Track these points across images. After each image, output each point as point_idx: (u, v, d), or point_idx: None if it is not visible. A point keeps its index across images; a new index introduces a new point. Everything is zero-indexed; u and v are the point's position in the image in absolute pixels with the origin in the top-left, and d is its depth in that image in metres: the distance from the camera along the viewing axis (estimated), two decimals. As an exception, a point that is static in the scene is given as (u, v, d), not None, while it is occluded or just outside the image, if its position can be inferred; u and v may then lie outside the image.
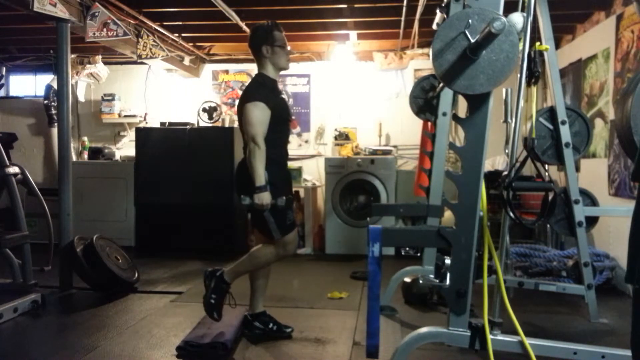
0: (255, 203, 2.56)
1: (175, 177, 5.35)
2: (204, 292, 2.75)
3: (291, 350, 2.66)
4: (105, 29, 4.03)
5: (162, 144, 5.44)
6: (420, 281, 3.28)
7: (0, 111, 6.06)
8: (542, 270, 3.85)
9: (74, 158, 5.82)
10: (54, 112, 5.52)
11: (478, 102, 1.73)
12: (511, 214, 2.23)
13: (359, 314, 3.27)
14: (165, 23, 4.77)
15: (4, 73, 6.34)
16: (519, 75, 2.31)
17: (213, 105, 5.80)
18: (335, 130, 5.89)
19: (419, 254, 4.72)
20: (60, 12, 3.61)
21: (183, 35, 5.24)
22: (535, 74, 2.42)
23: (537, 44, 2.63)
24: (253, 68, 2.89)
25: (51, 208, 3.58)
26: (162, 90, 6.21)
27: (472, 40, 1.58)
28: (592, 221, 3.08)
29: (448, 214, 3.03)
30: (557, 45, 4.97)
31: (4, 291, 3.29)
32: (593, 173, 4.22)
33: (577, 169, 3.73)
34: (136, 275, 3.91)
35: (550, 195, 2.76)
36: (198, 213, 5.27)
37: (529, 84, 2.43)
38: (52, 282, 3.77)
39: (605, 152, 4.05)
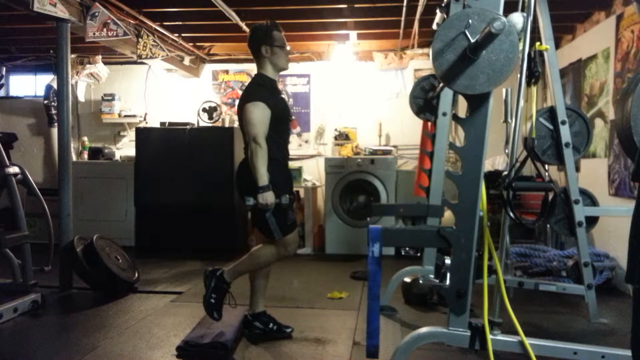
0: (259, 203, 2.56)
1: (175, 177, 5.35)
2: (204, 292, 2.75)
3: (291, 350, 2.66)
4: (105, 29, 4.03)
5: (162, 144, 5.44)
6: (420, 281, 3.29)
7: (0, 111, 6.06)
8: (542, 270, 3.85)
9: (74, 158, 5.83)
10: (54, 112, 5.52)
11: (478, 102, 1.73)
12: (511, 214, 2.23)
13: (359, 314, 3.27)
14: (165, 23, 4.77)
15: (4, 73, 6.34)
16: (519, 75, 2.31)
17: (213, 105, 5.80)
18: (335, 130, 5.89)
19: (419, 254, 4.72)
20: (60, 12, 3.61)
21: (183, 35, 5.24)
22: (535, 74, 2.42)
23: (537, 44, 2.64)
24: (253, 68, 2.89)
25: (51, 208, 3.58)
26: (162, 90, 6.21)
27: (472, 40, 1.58)
28: (592, 221, 3.08)
29: (448, 214, 3.03)
30: (557, 45, 4.97)
31: (4, 291, 3.29)
32: (593, 173, 4.22)
33: (577, 169, 3.73)
34: (136, 275, 3.90)
35: (550, 195, 2.77)
36: (198, 213, 5.27)
37: (529, 84, 2.43)
38: (52, 282, 3.77)
39: (605, 152, 4.05)
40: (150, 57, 4.65)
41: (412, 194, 4.85)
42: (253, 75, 2.84)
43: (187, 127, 5.44)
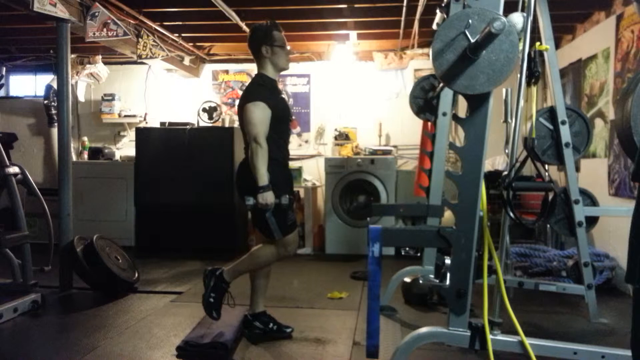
0: (259, 203, 2.56)
1: (175, 177, 5.35)
2: (203, 291, 2.75)
3: (291, 350, 2.66)
4: (105, 29, 4.03)
5: (162, 144, 5.44)
6: (420, 281, 3.29)
7: (0, 111, 6.06)
8: (542, 270, 3.85)
9: (74, 158, 5.83)
10: (54, 112, 5.52)
11: (478, 102, 1.73)
12: (511, 214, 2.23)
13: (359, 314, 3.27)
14: (165, 23, 4.77)
15: (4, 73, 6.34)
16: (519, 75, 2.31)
17: (213, 105, 5.80)
18: (335, 130, 5.89)
19: (419, 254, 4.73)
20: (60, 12, 3.61)
21: (183, 35, 5.24)
22: (535, 74, 2.42)
23: (537, 44, 2.64)
24: (253, 68, 2.89)
25: (51, 208, 3.58)
26: (162, 90, 6.21)
27: (472, 40, 1.58)
28: (592, 221, 3.08)
29: (448, 214, 3.03)
30: (557, 45, 4.97)
31: (4, 291, 3.29)
32: (593, 173, 4.22)
33: (577, 169, 3.73)
34: (136, 275, 3.90)
35: (550, 195, 2.77)
36: (198, 213, 5.27)
37: (529, 84, 2.43)
38: (52, 282, 3.77)
39: (605, 152, 4.05)
40: (150, 57, 4.65)
41: (412, 194, 4.85)
42: (253, 75, 2.84)
43: (187, 127, 5.44)
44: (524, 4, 2.29)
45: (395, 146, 5.77)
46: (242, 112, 2.68)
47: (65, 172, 3.81)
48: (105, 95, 6.12)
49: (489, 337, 1.83)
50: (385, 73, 5.90)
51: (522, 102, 2.28)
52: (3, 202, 3.40)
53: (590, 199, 3.09)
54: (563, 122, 2.91)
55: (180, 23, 4.88)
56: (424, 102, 3.19)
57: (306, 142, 6.06)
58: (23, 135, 5.90)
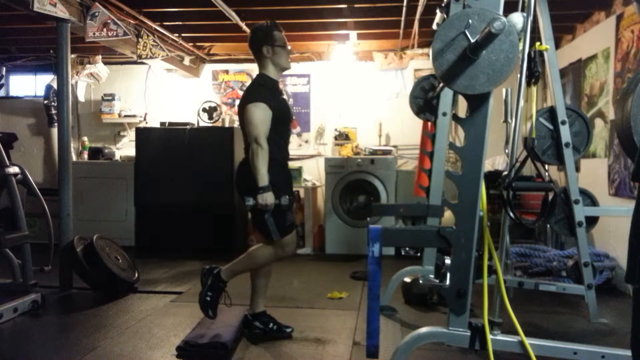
0: (258, 203, 2.56)
1: (175, 177, 5.35)
2: (200, 289, 2.75)
3: (291, 350, 2.66)
4: (105, 29, 4.03)
5: (162, 144, 5.44)
6: (420, 281, 3.29)
7: (0, 111, 6.06)
8: (542, 270, 3.85)
9: (74, 158, 5.83)
10: (54, 112, 5.52)
11: (478, 102, 1.73)
12: (511, 214, 2.23)
13: (359, 314, 3.27)
14: (165, 23, 4.77)
15: (4, 73, 6.34)
16: (519, 75, 2.31)
17: (213, 105, 5.80)
18: (335, 130, 5.89)
19: (419, 254, 4.72)
20: (60, 12, 3.61)
21: (183, 35, 5.24)
22: (535, 74, 2.42)
23: (537, 44, 2.64)
24: (253, 68, 2.89)
25: (51, 208, 3.58)
26: (162, 90, 6.21)
27: (472, 40, 1.58)
28: (592, 221, 3.08)
29: (448, 214, 3.03)
30: (557, 45, 4.97)
31: (4, 291, 3.29)
32: (593, 173, 4.22)
33: (577, 169, 3.73)
34: (136, 275, 3.90)
35: (550, 195, 2.77)
36: (198, 213, 5.28)
37: (529, 84, 2.43)
38: (52, 282, 3.77)
39: (605, 152, 4.05)
40: (150, 57, 4.65)
41: (412, 194, 4.85)
42: (253, 75, 2.84)
43: (187, 127, 5.44)
44: (524, 4, 2.29)
45: (395, 146, 5.77)
46: (242, 113, 2.68)
47: (65, 172, 3.81)
48: (105, 95, 6.12)
49: (489, 337, 1.83)
50: (385, 73, 5.90)
51: (522, 102, 2.28)
52: (3, 202, 3.40)
53: (590, 199, 3.09)
54: (563, 122, 2.91)
55: (180, 23, 4.88)
56: (424, 102, 3.19)
57: (306, 142, 6.06)
58: (23, 135, 5.90)
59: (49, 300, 3.43)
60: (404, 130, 5.78)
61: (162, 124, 5.58)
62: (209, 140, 5.38)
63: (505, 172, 2.25)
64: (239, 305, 3.15)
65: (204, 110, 5.76)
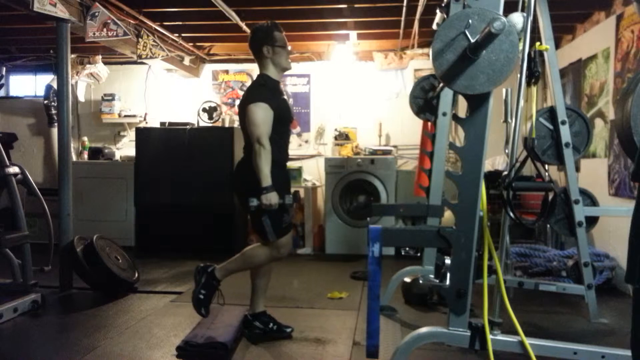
0: (263, 204, 2.55)
1: (175, 177, 5.35)
2: (194, 287, 2.75)
3: (291, 350, 2.66)
4: (105, 29, 4.03)
5: (162, 144, 5.44)
6: (420, 281, 3.29)
7: (0, 111, 6.06)
8: (542, 270, 3.85)
9: (74, 158, 5.83)
10: (54, 112, 5.52)
11: (478, 102, 1.73)
12: (511, 214, 2.23)
13: (359, 314, 3.27)
14: (165, 23, 4.77)
15: (4, 73, 6.34)
16: (519, 75, 2.31)
17: (213, 105, 5.80)
18: (335, 130, 5.89)
19: (419, 254, 4.72)
20: (60, 12, 3.61)
21: (183, 35, 5.24)
22: (535, 74, 2.42)
23: (537, 44, 2.64)
24: (253, 68, 2.90)
25: (51, 208, 3.58)
26: (162, 90, 6.21)
27: (472, 40, 1.58)
28: (592, 221, 3.08)
29: (448, 214, 3.03)
30: (557, 45, 4.97)
31: (4, 291, 3.29)
32: (593, 173, 4.22)
33: (577, 169, 3.73)
34: (136, 275, 3.91)
35: (550, 195, 2.77)
36: (198, 213, 5.27)
37: (529, 84, 2.43)
38: (52, 282, 3.77)
39: (605, 152, 4.05)
40: (150, 57, 4.65)
41: (412, 194, 4.85)
42: (253, 75, 2.84)
43: (187, 127, 5.44)
44: (524, 4, 2.29)
45: (395, 146, 5.77)
46: (243, 113, 2.67)
47: (65, 172, 3.81)
48: (105, 95, 6.12)
49: (489, 337, 1.83)
50: (385, 73, 5.90)
51: (522, 102, 2.28)
52: (3, 202, 3.40)
53: (590, 199, 3.09)
54: (563, 122, 2.91)
55: (180, 23, 4.88)
56: (424, 102, 3.19)
57: (306, 142, 6.06)
58: (23, 135, 5.90)
59: (49, 300, 3.43)
60: (404, 130, 5.78)
61: (162, 124, 5.58)
62: (209, 140, 5.38)
63: (505, 172, 2.25)
64: (239, 305, 3.15)
65: (204, 110, 5.76)
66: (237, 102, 5.98)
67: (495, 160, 4.99)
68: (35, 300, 3.25)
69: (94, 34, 4.02)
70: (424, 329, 1.86)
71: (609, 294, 3.63)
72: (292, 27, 4.76)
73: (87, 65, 5.80)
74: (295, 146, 5.92)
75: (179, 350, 2.59)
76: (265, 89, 2.69)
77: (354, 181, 5.29)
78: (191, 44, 5.53)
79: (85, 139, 6.16)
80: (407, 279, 3.46)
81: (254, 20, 4.50)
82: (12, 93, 6.59)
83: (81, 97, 6.12)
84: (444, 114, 3.04)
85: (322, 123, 6.02)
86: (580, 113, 3.03)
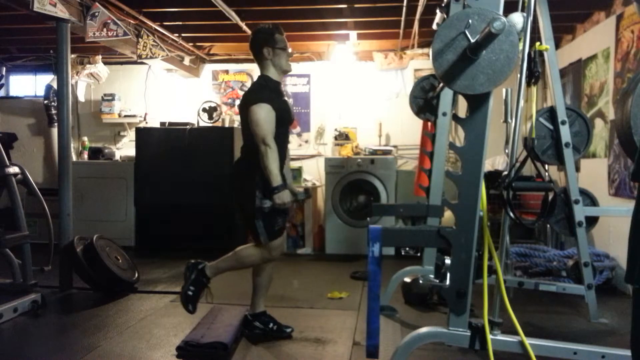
0: (276, 203, 2.56)
1: (175, 177, 5.35)
2: (183, 283, 2.76)
3: (291, 350, 2.66)
4: (105, 29, 4.03)
5: (162, 144, 5.44)
6: (420, 281, 3.29)
7: (0, 111, 6.06)
8: (542, 270, 3.85)
9: (74, 158, 5.82)
10: (54, 112, 5.52)
11: (478, 102, 1.73)
12: (511, 214, 2.23)
13: (359, 314, 3.27)
14: (165, 23, 4.77)
15: (4, 73, 6.34)
16: (519, 75, 2.31)
17: (213, 105, 5.80)
18: (335, 130, 5.89)
19: (419, 254, 4.72)
20: (60, 12, 3.61)
21: (183, 35, 5.24)
22: (535, 74, 2.42)
23: (537, 44, 2.63)
24: (253, 68, 2.90)
25: (51, 208, 3.58)
26: (162, 90, 6.21)
27: (472, 40, 1.58)
28: (592, 221, 3.07)
29: (448, 214, 3.03)
30: (557, 45, 4.97)
31: (4, 291, 3.29)
32: (593, 173, 4.22)
33: (577, 169, 3.72)
34: (136, 275, 3.91)
35: (550, 195, 2.77)
36: (198, 213, 5.27)
37: (529, 84, 2.43)
38: (52, 282, 3.77)
39: (605, 152, 4.05)
40: (150, 57, 4.65)
41: (412, 194, 4.85)
42: (253, 75, 2.85)
43: (187, 127, 5.44)
44: (524, 4, 2.29)
45: (395, 146, 5.77)
46: (245, 114, 2.67)
47: (65, 172, 3.81)
48: (105, 95, 6.12)
49: (489, 337, 1.83)
50: (385, 73, 5.90)
51: (522, 102, 2.28)
52: (3, 202, 3.40)
53: (590, 199, 3.09)
54: (563, 122, 2.91)
55: (180, 23, 4.88)
56: (424, 102, 3.19)
57: (306, 142, 6.05)
58: (23, 135, 5.89)
59: (49, 300, 3.43)
60: (404, 130, 5.78)
61: (162, 124, 5.58)
62: (209, 140, 5.38)
63: (505, 172, 2.25)
64: (239, 305, 3.16)
65: (204, 110, 5.76)
66: (237, 102, 6.02)
67: (495, 160, 4.99)
68: (35, 300, 3.25)
69: (94, 34, 4.02)
70: (424, 329, 1.86)
71: (609, 294, 3.63)
72: (292, 27, 4.76)
73: (87, 65, 5.80)
74: (295, 146, 5.92)
75: (179, 350, 2.59)
76: (266, 90, 2.69)
77: (354, 181, 5.29)
78: (191, 44, 5.53)
79: (85, 139, 6.16)
80: (407, 279, 3.46)
81: (254, 20, 4.50)
82: (12, 93, 6.59)
83: (81, 97, 6.12)
84: (444, 114, 3.04)
85: (322, 123, 6.02)
86: (580, 113, 3.02)
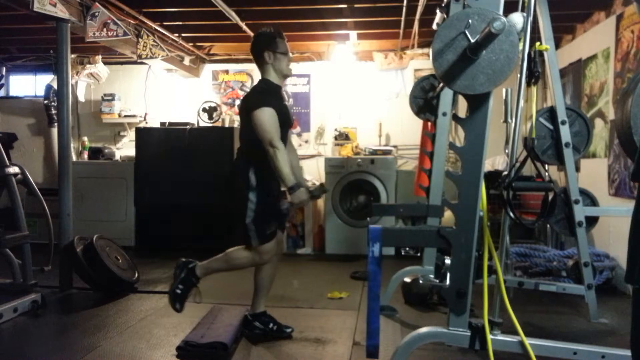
0: (294, 203, 2.58)
1: (175, 177, 5.35)
2: (172, 281, 2.77)
3: (291, 350, 2.66)
4: (105, 29, 4.03)
5: (162, 144, 5.44)
6: (420, 281, 3.29)
7: (0, 111, 6.06)
8: (542, 270, 3.85)
9: (74, 158, 5.82)
10: (54, 112, 5.52)
11: (478, 102, 1.73)
12: (511, 214, 2.23)
13: (359, 314, 3.27)
14: (165, 23, 4.77)
15: (4, 73, 6.34)
16: (519, 75, 2.31)
17: (213, 105, 5.80)
18: (335, 130, 5.89)
19: (419, 254, 4.72)
20: (60, 12, 3.61)
21: (183, 35, 5.24)
22: (535, 74, 2.42)
23: (537, 44, 2.63)
24: (253, 68, 2.91)
25: (51, 208, 3.57)
26: (162, 90, 6.21)
27: (472, 40, 1.58)
28: (592, 221, 3.07)
29: (448, 214, 3.03)
30: (557, 45, 4.97)
31: (4, 291, 3.29)
32: (593, 173, 4.22)
33: (577, 169, 3.72)
34: (136, 275, 3.91)
35: (550, 195, 2.77)
36: (198, 213, 5.27)
37: (529, 84, 2.43)
38: (52, 282, 3.77)
39: (605, 152, 4.05)
40: (150, 57, 4.65)
41: (412, 194, 4.85)
42: (255, 76, 2.85)
43: (187, 127, 5.44)
44: (524, 4, 2.29)
45: (395, 146, 5.77)
46: (245, 117, 2.68)
47: (65, 172, 3.81)
48: (105, 95, 6.12)
49: (489, 337, 1.83)
50: (385, 73, 5.90)
51: (522, 102, 2.28)
52: (3, 202, 3.40)
53: (590, 199, 3.09)
54: (563, 122, 2.90)
55: (180, 23, 4.88)
56: (424, 102, 3.19)
57: (306, 142, 6.06)
58: (23, 135, 5.89)
59: (49, 300, 3.42)
60: (404, 130, 5.78)
61: (162, 124, 5.58)
62: (209, 140, 5.38)
63: (505, 172, 2.25)
64: (239, 305, 3.16)
65: (204, 110, 5.76)
66: (237, 102, 6.03)
67: (495, 160, 4.99)
68: (35, 300, 3.25)
69: (94, 34, 4.02)
70: (424, 329, 1.86)
71: (609, 294, 3.63)
72: (292, 27, 4.76)
73: (87, 65, 5.80)
74: (295, 146, 5.90)
75: (179, 350, 2.59)
76: (267, 94, 2.70)
77: (354, 181, 5.29)
78: (191, 44, 5.53)
79: (85, 139, 6.16)
80: (407, 279, 3.46)
81: (254, 20, 4.51)
82: (12, 93, 6.59)
83: (81, 97, 6.12)
84: (444, 114, 3.04)
85: (322, 123, 6.02)
86: (580, 113, 3.02)
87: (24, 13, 3.60)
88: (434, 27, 2.41)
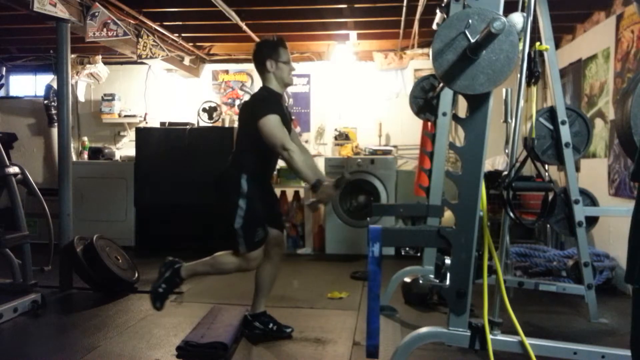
0: (322, 200, 2.58)
1: (175, 177, 5.35)
2: (156, 278, 2.77)
3: (291, 350, 2.66)
4: (105, 29, 4.03)
5: (162, 144, 5.44)
6: (420, 281, 3.29)
7: (0, 111, 6.06)
8: (542, 270, 3.85)
9: (74, 158, 5.82)
10: (54, 112, 5.52)
11: (478, 102, 1.73)
12: (511, 214, 2.23)
13: (359, 314, 3.27)
14: (165, 23, 4.77)
15: (4, 73, 6.34)
16: (519, 75, 2.31)
17: (213, 105, 5.80)
18: (335, 130, 5.89)
19: (419, 254, 4.72)
20: (60, 12, 3.61)
21: (183, 35, 5.24)
22: (535, 74, 2.42)
23: (537, 44, 2.63)
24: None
25: (51, 208, 3.58)
26: (162, 90, 6.21)
27: (472, 40, 1.58)
28: (592, 221, 3.07)
29: (448, 214, 3.03)
30: (557, 45, 4.97)
31: (4, 291, 3.28)
32: (593, 173, 4.22)
33: (577, 169, 3.72)
34: (136, 275, 3.90)
35: (550, 195, 2.77)
36: (198, 213, 5.27)
37: (529, 84, 2.43)
38: (52, 282, 3.77)
39: (605, 152, 4.05)
40: (150, 57, 4.65)
41: (412, 194, 4.85)
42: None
43: (187, 127, 5.44)
44: (524, 4, 2.29)
45: (395, 146, 5.77)
46: (244, 122, 2.70)
47: (65, 172, 3.81)
48: (105, 95, 6.12)
49: (489, 337, 1.83)
50: (385, 73, 5.90)
51: (522, 102, 2.28)
52: (3, 202, 3.40)
53: (590, 199, 3.09)
54: (563, 122, 2.90)
55: (180, 23, 4.88)
56: (424, 102, 3.19)
57: (306, 142, 6.05)
58: (23, 135, 5.89)
59: (49, 300, 3.42)
60: (404, 130, 5.78)
61: (162, 124, 5.58)
62: (209, 140, 5.38)
63: (505, 172, 2.25)
64: (239, 305, 3.16)
65: (204, 110, 5.76)
66: (237, 102, 6.04)
67: (495, 160, 4.99)
68: (35, 300, 3.25)
69: (94, 34, 4.02)
70: (424, 329, 1.86)
71: (609, 294, 3.63)
72: (292, 27, 4.76)
73: (87, 65, 5.80)
74: (295, 146, 5.91)
75: (179, 350, 2.59)
76: (269, 102, 2.69)
77: (354, 181, 5.28)
78: (191, 44, 5.53)
79: (85, 139, 6.16)
80: (407, 279, 3.46)
81: (254, 20, 4.51)
82: (12, 93, 6.59)
83: (81, 97, 6.12)
84: (444, 114, 3.04)
85: (322, 123, 6.02)
86: (580, 113, 3.02)
87: (24, 13, 3.60)
88: (434, 27, 2.42)
